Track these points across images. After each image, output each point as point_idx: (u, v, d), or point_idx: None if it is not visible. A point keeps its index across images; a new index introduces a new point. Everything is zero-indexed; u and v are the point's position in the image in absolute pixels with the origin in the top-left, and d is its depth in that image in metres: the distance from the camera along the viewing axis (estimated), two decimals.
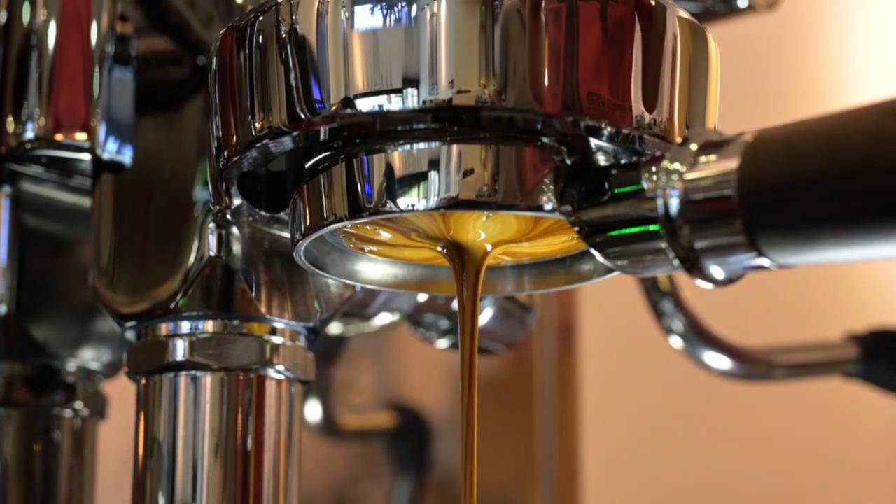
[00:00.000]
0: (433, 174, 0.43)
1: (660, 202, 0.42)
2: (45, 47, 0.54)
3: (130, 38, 0.55)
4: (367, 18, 0.42)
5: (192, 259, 0.51)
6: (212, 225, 0.51)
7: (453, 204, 0.43)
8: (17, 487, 0.57)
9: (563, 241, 0.48)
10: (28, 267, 0.57)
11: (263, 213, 0.49)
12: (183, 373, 0.51)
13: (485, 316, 0.64)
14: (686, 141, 0.43)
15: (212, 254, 0.51)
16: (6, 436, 0.58)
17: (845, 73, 1.35)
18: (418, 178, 0.43)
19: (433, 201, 0.43)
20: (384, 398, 1.01)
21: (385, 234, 0.48)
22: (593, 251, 0.44)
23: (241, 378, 0.51)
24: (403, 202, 0.43)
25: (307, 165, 0.46)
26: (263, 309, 0.51)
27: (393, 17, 0.42)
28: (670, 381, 1.06)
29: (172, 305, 0.51)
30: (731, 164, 0.41)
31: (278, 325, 0.52)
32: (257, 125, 0.45)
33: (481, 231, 0.47)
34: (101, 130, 0.54)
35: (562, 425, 1.04)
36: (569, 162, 0.44)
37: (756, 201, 0.41)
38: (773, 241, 0.41)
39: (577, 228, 0.44)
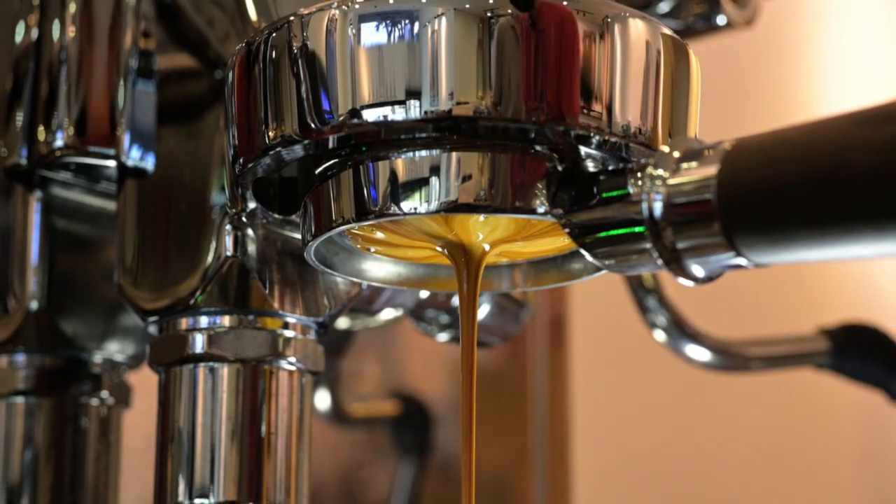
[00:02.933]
0: (434, 180, 0.43)
1: (644, 206, 0.42)
2: (74, 62, 0.54)
3: (153, 54, 0.55)
4: (373, 35, 0.43)
5: (210, 258, 0.51)
6: (228, 227, 0.51)
7: (453, 207, 0.43)
8: (48, 470, 0.57)
9: (555, 242, 0.48)
10: (58, 266, 0.57)
11: (276, 215, 0.49)
12: (201, 364, 0.51)
13: (482, 311, 0.64)
14: (669, 149, 0.43)
15: (228, 254, 0.51)
16: (37, 423, 0.57)
17: (817, 85, 1.35)
18: (420, 184, 0.43)
19: (434, 205, 0.43)
20: (388, 388, 1.01)
21: (389, 236, 0.48)
22: (583, 251, 0.44)
23: (255, 369, 0.51)
24: (406, 205, 0.43)
25: (317, 171, 0.46)
26: (276, 305, 0.51)
27: (397, 33, 0.42)
28: (654, 372, 1.06)
29: (192, 301, 0.51)
30: (711, 170, 0.41)
31: (290, 319, 0.52)
32: (271, 134, 0.45)
33: (480, 232, 0.47)
34: (126, 139, 0.54)
35: (553, 413, 1.04)
36: (560, 168, 0.44)
37: (734, 205, 0.41)
38: (750, 242, 0.41)
39: (567, 230, 0.44)
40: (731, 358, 0.73)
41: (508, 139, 0.43)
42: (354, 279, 0.50)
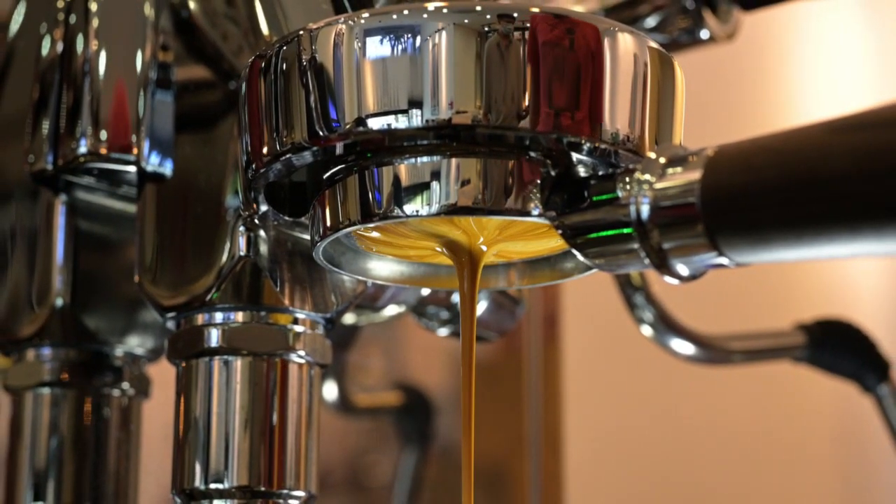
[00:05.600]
0: (434, 184, 0.43)
1: (632, 209, 0.42)
2: (97, 73, 0.54)
3: (171, 66, 0.55)
4: (378, 48, 0.43)
5: (224, 258, 0.51)
6: (241, 228, 0.51)
7: (452, 210, 0.43)
8: (72, 457, 0.57)
9: (549, 243, 0.48)
10: (81, 265, 0.57)
11: (287, 218, 0.49)
12: (217, 357, 0.51)
13: (480, 308, 0.64)
14: (655, 155, 0.43)
15: (242, 253, 0.51)
16: (62, 412, 0.58)
17: (795, 94, 1.35)
18: (422, 188, 0.43)
19: (435, 208, 0.43)
20: (392, 379, 1.01)
21: (393, 237, 0.48)
22: (574, 251, 0.45)
23: (267, 362, 0.51)
24: (409, 208, 0.44)
25: (325, 176, 0.46)
26: (287, 302, 0.51)
27: (400, 46, 0.42)
28: (642, 365, 1.06)
29: (207, 298, 0.51)
30: (695, 175, 0.41)
31: (300, 315, 0.52)
32: (281, 141, 0.45)
33: (478, 233, 0.47)
34: (145, 146, 0.54)
35: (547, 403, 1.04)
36: (553, 173, 0.44)
37: (716, 208, 0.41)
38: (732, 243, 0.41)
39: (560, 231, 0.44)
40: (714, 351, 0.73)
41: (504, 146, 0.43)
42: (360, 278, 0.50)
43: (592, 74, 0.43)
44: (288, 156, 0.45)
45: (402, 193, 0.44)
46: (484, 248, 0.48)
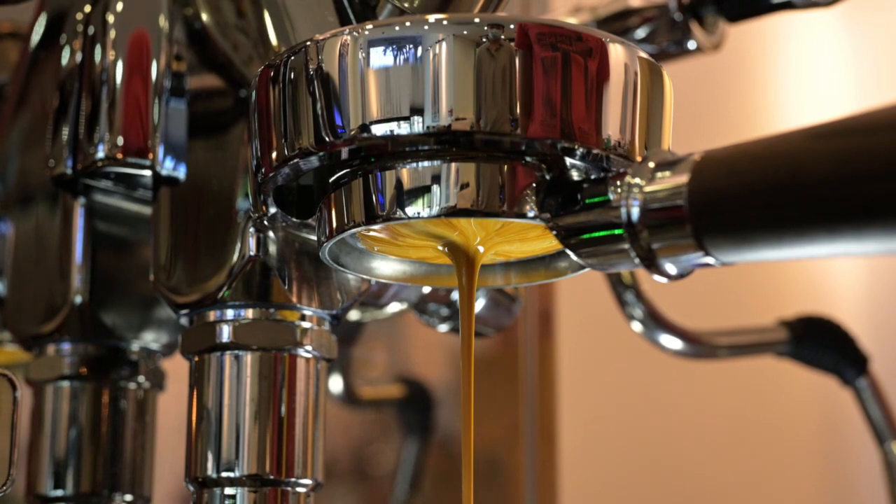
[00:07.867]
0: (435, 187, 0.43)
1: (623, 211, 0.42)
2: (114, 82, 0.54)
3: (184, 75, 0.55)
4: (381, 58, 0.43)
5: (235, 258, 0.51)
6: (251, 229, 0.51)
7: (452, 212, 0.43)
8: (91, 447, 0.57)
9: (544, 244, 0.48)
10: (99, 264, 0.57)
11: (295, 219, 0.49)
12: (228, 352, 0.51)
13: (479, 305, 0.64)
14: (645, 160, 0.43)
15: (251, 253, 0.51)
16: (81, 405, 0.58)
17: (778, 102, 1.35)
18: (423, 191, 0.44)
19: (435, 210, 0.43)
20: (394, 373, 1.01)
21: (396, 237, 0.48)
22: (568, 251, 0.45)
23: (276, 356, 0.51)
24: (411, 210, 0.44)
25: (331, 180, 0.46)
26: (294, 299, 0.52)
27: (402, 57, 0.42)
28: (632, 360, 1.06)
29: (219, 296, 0.51)
30: (683, 179, 0.41)
31: (307, 312, 0.52)
32: (290, 147, 0.45)
33: (476, 234, 0.47)
34: (160, 151, 0.54)
35: (542, 395, 1.04)
36: (548, 177, 0.44)
37: (703, 210, 0.41)
38: (717, 243, 0.41)
39: (554, 232, 0.44)
40: (701, 347, 0.73)
41: (501, 151, 0.44)
42: (364, 276, 0.50)
43: (585, 83, 0.43)
44: (295, 160, 0.45)
45: (404, 196, 0.44)
46: (481, 248, 0.48)
